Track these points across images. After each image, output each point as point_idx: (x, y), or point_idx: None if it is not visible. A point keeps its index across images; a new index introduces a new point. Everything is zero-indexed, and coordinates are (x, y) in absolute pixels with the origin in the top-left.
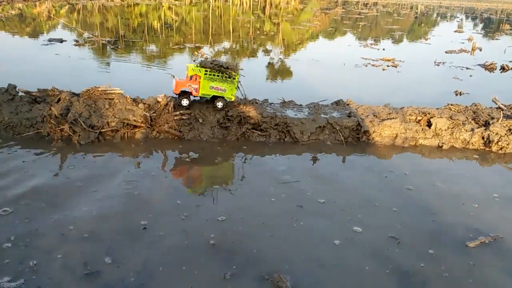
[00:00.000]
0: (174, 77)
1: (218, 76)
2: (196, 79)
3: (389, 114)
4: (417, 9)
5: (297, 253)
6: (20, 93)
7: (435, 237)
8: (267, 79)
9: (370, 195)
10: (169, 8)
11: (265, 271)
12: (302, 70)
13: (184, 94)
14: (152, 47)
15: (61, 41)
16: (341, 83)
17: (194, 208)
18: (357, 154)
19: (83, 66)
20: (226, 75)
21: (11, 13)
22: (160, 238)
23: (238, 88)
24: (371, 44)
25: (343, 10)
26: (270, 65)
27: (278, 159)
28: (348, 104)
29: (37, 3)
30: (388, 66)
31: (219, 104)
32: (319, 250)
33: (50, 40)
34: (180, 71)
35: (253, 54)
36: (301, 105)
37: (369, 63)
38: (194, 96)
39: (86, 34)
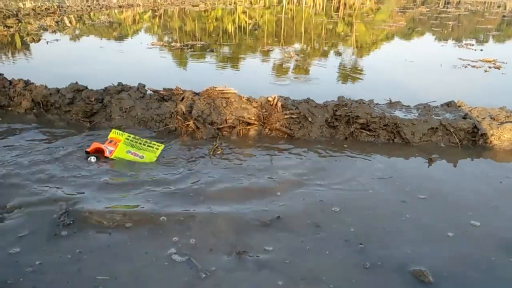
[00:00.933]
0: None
1: (140, 143)
2: (115, 143)
3: (507, 117)
4: (505, 7)
5: (418, 245)
6: (149, 92)
7: None
8: (361, 79)
9: (485, 196)
10: (243, 12)
11: (396, 263)
12: (397, 70)
13: (97, 152)
14: (239, 49)
15: (162, 45)
16: (443, 84)
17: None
18: (472, 157)
19: (183, 67)
20: (149, 143)
21: (102, 19)
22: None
23: (158, 157)
24: (466, 44)
25: (427, 9)
26: (360, 65)
27: (382, 158)
28: (459, 106)
29: (124, 9)
30: (489, 67)
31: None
32: (437, 242)
33: (152, 44)
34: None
35: (337, 54)
36: (409, 106)
37: (468, 64)
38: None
39: (168, 38)
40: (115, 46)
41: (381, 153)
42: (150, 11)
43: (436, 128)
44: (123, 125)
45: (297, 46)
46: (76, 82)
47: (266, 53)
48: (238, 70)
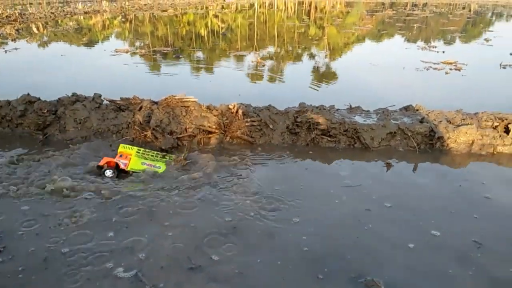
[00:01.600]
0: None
1: (152, 155)
2: (126, 156)
3: (463, 119)
4: (470, 8)
5: (377, 255)
6: (105, 102)
7: None
8: (324, 84)
9: (444, 202)
10: (216, 15)
11: (351, 273)
12: (360, 74)
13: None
14: (207, 55)
15: (126, 51)
16: (404, 87)
17: (265, 209)
18: (430, 161)
19: (147, 74)
20: (160, 155)
21: (71, 25)
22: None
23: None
24: (429, 47)
25: (394, 12)
26: (324, 69)
27: (344, 164)
28: (417, 110)
29: (93, 15)
30: (450, 69)
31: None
32: (398, 252)
33: (116, 50)
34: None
35: (303, 59)
36: (368, 110)
37: (430, 67)
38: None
39: (140, 43)
40: (78, 53)
41: (344, 159)
42: (120, 16)
43: (395, 132)
44: (78, 137)
45: (271, 49)
46: (28, 94)
47: (235, 58)
48: (206, 77)
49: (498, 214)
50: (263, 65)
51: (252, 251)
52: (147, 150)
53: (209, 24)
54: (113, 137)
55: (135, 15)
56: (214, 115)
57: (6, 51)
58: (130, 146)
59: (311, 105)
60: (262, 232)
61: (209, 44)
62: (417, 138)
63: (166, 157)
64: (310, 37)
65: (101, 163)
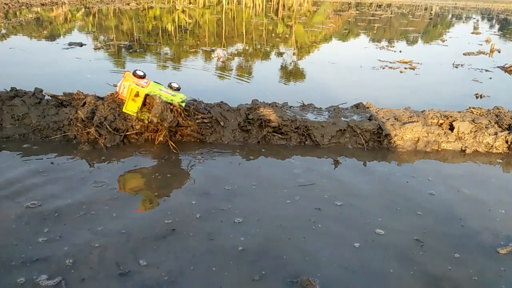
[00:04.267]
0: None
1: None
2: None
3: (410, 117)
4: (431, 10)
5: (318, 255)
6: (47, 97)
7: (462, 242)
8: (282, 82)
9: (391, 199)
10: (183, 11)
11: (288, 273)
12: (318, 72)
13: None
14: (168, 50)
15: (81, 45)
16: (359, 86)
17: (210, 209)
18: (377, 158)
19: (102, 69)
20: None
21: (29, 17)
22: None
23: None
24: (387, 46)
25: (357, 12)
26: (285, 67)
27: (297, 162)
28: (368, 107)
29: (54, 7)
30: (405, 68)
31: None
32: (341, 252)
33: (70, 44)
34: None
35: (266, 56)
36: (320, 108)
37: (386, 66)
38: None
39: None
40: (28, 46)
41: (296, 157)
42: (83, 9)
43: (344, 130)
44: (15, 134)
45: (239, 46)
46: None
47: (195, 54)
48: (163, 72)
49: (441, 211)
50: (225, 62)
51: (188, 255)
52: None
53: (176, 19)
54: (54, 134)
55: (98, 8)
56: None
57: None
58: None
59: (263, 102)
60: (202, 235)
61: (175, 39)
62: (366, 136)
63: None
64: (277, 35)
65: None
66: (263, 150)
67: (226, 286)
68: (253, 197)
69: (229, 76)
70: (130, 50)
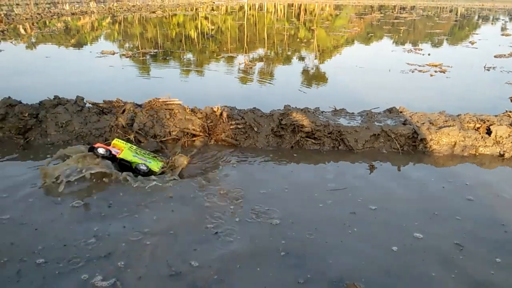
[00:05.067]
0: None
1: (144, 154)
2: (119, 148)
3: (446, 121)
4: (457, 12)
5: (358, 259)
6: (88, 105)
7: (505, 247)
8: (311, 86)
9: (428, 204)
10: (205, 17)
11: (332, 277)
12: (347, 77)
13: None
14: (193, 57)
15: (113, 53)
16: (389, 90)
17: (248, 213)
18: (413, 162)
19: (134, 76)
20: (151, 155)
21: (59, 26)
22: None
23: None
24: (415, 49)
25: (381, 14)
26: (312, 72)
27: (330, 166)
28: (401, 112)
29: (82, 16)
30: (436, 71)
31: (142, 168)
32: (380, 256)
33: (103, 52)
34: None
35: (291, 61)
36: (353, 113)
37: (416, 69)
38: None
39: (129, 45)
40: (63, 55)
41: (329, 162)
42: (109, 17)
43: (378, 134)
44: (59, 141)
45: (261, 51)
46: (9, 97)
47: (223, 60)
48: (192, 79)
49: (480, 216)
50: (251, 67)
51: (232, 256)
52: (139, 148)
53: (199, 26)
54: (96, 141)
55: (124, 16)
56: (199, 118)
57: None
58: (124, 141)
59: (295, 107)
60: (243, 238)
61: (199, 46)
62: (400, 140)
63: (157, 158)
64: (299, 40)
65: (95, 144)
66: (295, 155)
67: (271, 286)
68: (287, 201)
69: (256, 82)
70: (160, 58)
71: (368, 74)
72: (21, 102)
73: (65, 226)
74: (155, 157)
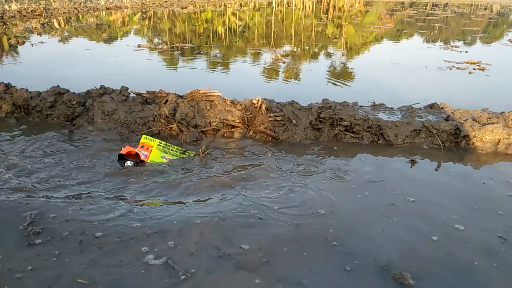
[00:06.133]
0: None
1: (172, 150)
2: (147, 148)
3: (489, 118)
4: (492, 9)
5: (402, 248)
6: (132, 94)
7: None
8: (347, 82)
9: (468, 199)
10: (233, 13)
11: (377, 265)
12: (383, 73)
13: (129, 156)
14: (227, 51)
15: (148, 47)
16: (427, 86)
17: (289, 201)
18: (454, 159)
19: (169, 69)
20: (180, 150)
21: (91, 21)
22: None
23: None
24: (452, 46)
25: (414, 11)
26: (346, 68)
27: (367, 159)
28: (442, 108)
29: (114, 11)
30: (474, 69)
31: None
32: (423, 245)
33: (139, 46)
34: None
35: (325, 56)
36: (392, 108)
37: (453, 66)
38: (142, 161)
39: (158, 40)
40: (101, 48)
41: (368, 155)
42: (140, 13)
43: (419, 130)
44: (105, 128)
45: (287, 48)
46: (58, 85)
47: (254, 55)
48: (226, 72)
49: None
50: (283, 62)
51: (278, 241)
52: (168, 144)
53: (226, 21)
54: (140, 129)
55: (154, 11)
56: (238, 110)
57: (32, 45)
58: (152, 138)
59: (334, 101)
60: (288, 224)
61: (226, 41)
62: (442, 136)
63: (186, 153)
64: (328, 36)
65: (123, 151)
66: (335, 148)
67: (317, 269)
68: (326, 191)
69: (288, 76)
70: (194, 52)
71: (405, 71)
72: (68, 91)
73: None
74: (185, 151)
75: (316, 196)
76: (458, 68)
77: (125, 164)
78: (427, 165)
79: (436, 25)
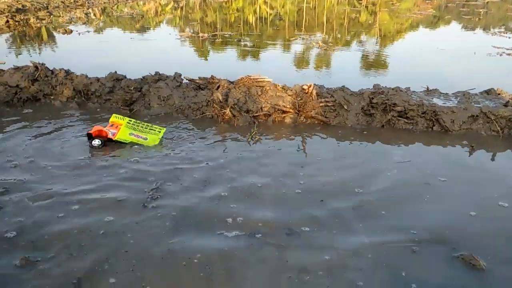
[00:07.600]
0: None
1: (142, 127)
2: (116, 126)
3: None
4: None
5: (464, 228)
6: (185, 81)
7: None
8: (394, 67)
9: None
10: (265, 2)
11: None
12: (430, 59)
13: (99, 136)
14: (266, 39)
15: (190, 36)
16: (478, 72)
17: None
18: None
19: (214, 57)
20: (149, 127)
21: (126, 12)
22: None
23: (161, 140)
24: (500, 32)
25: None
26: (394, 53)
27: (425, 147)
28: (499, 94)
29: (146, 1)
30: None
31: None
32: (468, 222)
33: (181, 35)
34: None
35: (367, 43)
36: (447, 93)
37: (504, 53)
38: (110, 139)
39: (190, 30)
40: (145, 36)
41: (423, 142)
42: (172, 2)
43: (477, 116)
44: (161, 113)
45: (319, 35)
46: (115, 72)
47: (293, 42)
48: (268, 59)
49: None
50: (325, 49)
51: (343, 224)
52: (137, 121)
53: (257, 10)
54: (194, 114)
55: (186, 1)
56: (289, 95)
57: (79, 34)
58: (121, 117)
59: (386, 86)
60: (350, 206)
61: (256, 30)
62: (501, 122)
63: (155, 128)
64: (367, 23)
65: (92, 131)
66: (387, 133)
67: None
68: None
69: (331, 62)
70: (233, 40)
71: (452, 57)
72: (125, 77)
73: None
74: (154, 129)
75: (360, 176)
76: (509, 55)
77: (92, 143)
78: (485, 152)
79: (479, 10)
